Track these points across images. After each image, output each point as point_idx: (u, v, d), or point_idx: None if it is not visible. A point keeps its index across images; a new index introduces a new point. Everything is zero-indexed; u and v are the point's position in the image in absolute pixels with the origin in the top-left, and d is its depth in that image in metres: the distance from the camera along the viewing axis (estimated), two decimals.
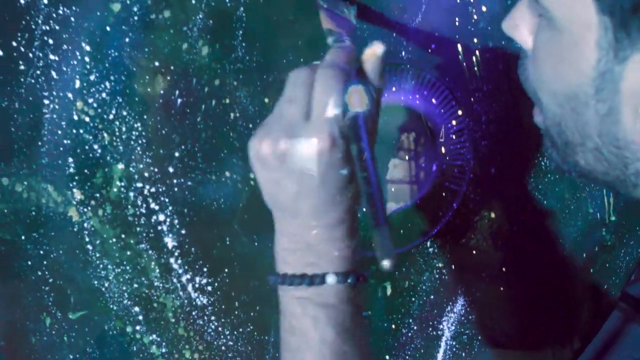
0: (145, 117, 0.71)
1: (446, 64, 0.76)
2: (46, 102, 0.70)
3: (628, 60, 0.46)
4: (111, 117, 0.71)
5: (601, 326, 0.77)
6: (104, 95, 0.70)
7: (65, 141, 0.71)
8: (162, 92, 0.71)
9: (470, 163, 0.77)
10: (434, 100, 0.76)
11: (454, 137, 0.77)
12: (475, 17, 0.75)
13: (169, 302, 0.75)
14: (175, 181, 0.73)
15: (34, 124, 0.70)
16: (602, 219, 0.82)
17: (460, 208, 0.78)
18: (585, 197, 0.81)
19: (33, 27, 0.68)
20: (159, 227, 0.73)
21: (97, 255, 0.73)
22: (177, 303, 0.75)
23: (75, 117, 0.70)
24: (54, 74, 0.69)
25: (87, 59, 0.70)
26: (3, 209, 0.71)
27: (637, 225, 0.83)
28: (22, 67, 0.69)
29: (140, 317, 0.75)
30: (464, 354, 0.81)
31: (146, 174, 0.72)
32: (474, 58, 0.76)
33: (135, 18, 0.70)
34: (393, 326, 0.80)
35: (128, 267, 0.74)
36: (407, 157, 0.77)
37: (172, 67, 0.71)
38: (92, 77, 0.70)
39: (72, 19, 0.69)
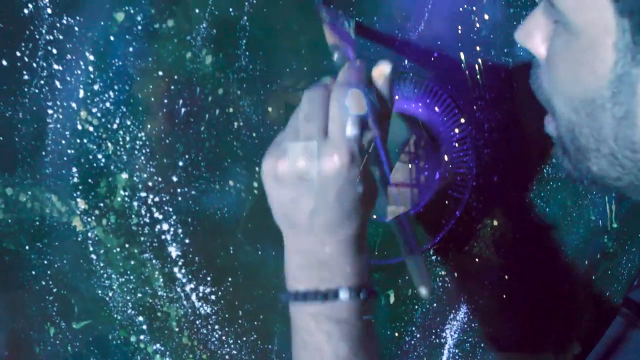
0: (149, 126, 0.71)
1: (449, 72, 0.76)
2: (50, 111, 0.70)
3: None
4: (115, 126, 0.71)
5: (603, 332, 0.77)
6: (107, 104, 0.70)
7: (69, 151, 0.71)
8: (165, 101, 0.71)
9: (473, 171, 0.77)
10: (436, 109, 0.76)
11: (456, 145, 0.77)
12: (477, 25, 0.75)
13: (172, 311, 0.75)
14: (179, 190, 0.73)
15: (37, 134, 0.70)
16: (604, 226, 0.82)
17: (463, 216, 0.78)
18: (587, 205, 0.81)
19: (37, 36, 0.68)
20: (163, 237, 0.73)
21: (101, 264, 0.73)
22: (181, 312, 0.75)
23: (79, 127, 0.70)
24: (57, 83, 0.69)
25: (90, 68, 0.69)
26: (7, 219, 0.71)
27: (639, 233, 0.83)
28: (25, 77, 0.69)
29: (144, 327, 0.75)
30: None
31: (150, 184, 0.72)
32: (476, 66, 0.76)
33: (139, 27, 0.70)
34: (396, 334, 0.80)
35: (132, 277, 0.74)
36: (409, 165, 0.78)
37: (175, 77, 0.71)
38: (96, 87, 0.70)
39: (76, 28, 0.68)
